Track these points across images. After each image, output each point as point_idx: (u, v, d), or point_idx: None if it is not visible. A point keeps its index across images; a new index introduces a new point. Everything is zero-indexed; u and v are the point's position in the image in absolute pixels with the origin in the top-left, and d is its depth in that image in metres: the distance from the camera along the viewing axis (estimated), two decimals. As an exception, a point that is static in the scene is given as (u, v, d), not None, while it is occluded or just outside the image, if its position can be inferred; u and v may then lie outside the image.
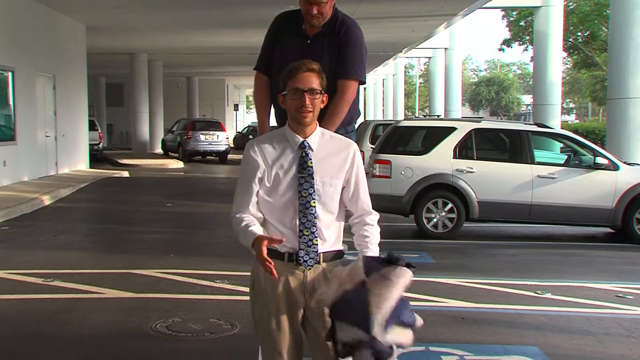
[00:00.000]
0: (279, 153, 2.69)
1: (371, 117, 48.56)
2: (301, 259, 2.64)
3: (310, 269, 2.66)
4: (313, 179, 2.65)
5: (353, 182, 2.75)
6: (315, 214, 2.65)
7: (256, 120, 3.90)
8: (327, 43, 3.57)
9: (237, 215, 2.70)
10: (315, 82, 2.65)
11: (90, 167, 20.34)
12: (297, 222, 2.64)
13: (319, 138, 2.72)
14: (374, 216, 2.79)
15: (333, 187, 2.69)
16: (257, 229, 2.61)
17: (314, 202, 2.65)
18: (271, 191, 2.67)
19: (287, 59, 3.59)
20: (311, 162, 2.66)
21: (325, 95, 2.72)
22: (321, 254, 2.67)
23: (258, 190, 2.70)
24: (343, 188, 2.74)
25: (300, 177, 2.65)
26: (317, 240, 2.65)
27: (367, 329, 2.40)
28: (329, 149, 2.72)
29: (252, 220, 2.66)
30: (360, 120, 40.04)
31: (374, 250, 2.70)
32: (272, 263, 2.49)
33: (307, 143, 2.69)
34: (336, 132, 3.12)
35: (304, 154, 2.67)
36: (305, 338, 2.76)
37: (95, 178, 17.31)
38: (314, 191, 2.65)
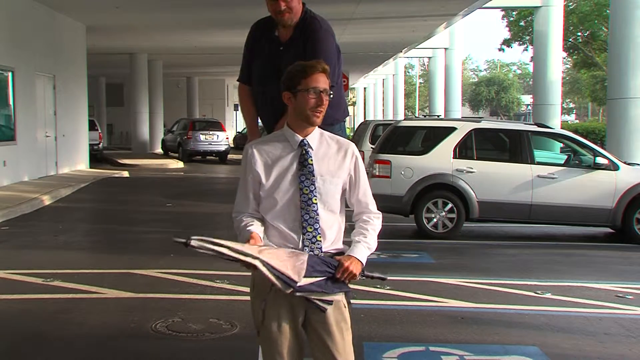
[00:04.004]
0: (279, 153, 2.71)
1: (371, 117, 48.54)
2: None
3: None
4: (314, 176, 2.67)
5: (355, 182, 2.77)
6: (317, 211, 2.66)
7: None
8: (296, 49, 3.48)
9: (237, 217, 2.77)
10: (327, 83, 2.69)
11: (90, 167, 20.34)
12: (300, 220, 2.64)
13: (318, 138, 2.74)
14: (375, 214, 2.80)
15: (334, 185, 2.70)
16: (254, 228, 2.66)
17: (316, 199, 2.66)
18: (273, 191, 2.68)
19: (262, 67, 3.56)
20: (311, 160, 2.68)
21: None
22: (323, 254, 2.67)
23: (257, 193, 2.73)
24: (344, 190, 2.75)
25: (301, 174, 2.67)
26: (320, 237, 2.66)
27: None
28: (328, 149, 2.74)
29: (251, 220, 2.71)
30: (360, 120, 39.83)
31: (367, 242, 2.71)
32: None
33: (307, 141, 2.70)
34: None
35: (304, 152, 2.69)
36: (306, 339, 2.76)
37: (95, 178, 17.31)
38: (315, 188, 2.66)
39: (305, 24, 3.49)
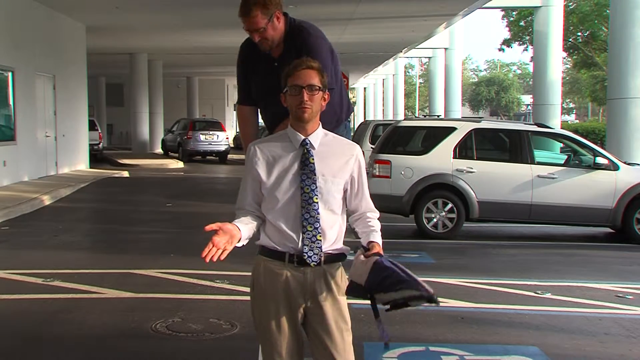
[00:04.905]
0: (281, 152, 2.71)
1: (371, 117, 48.55)
2: (305, 254, 2.65)
3: (314, 265, 2.66)
4: (315, 175, 2.67)
5: (356, 183, 2.77)
6: (318, 210, 2.66)
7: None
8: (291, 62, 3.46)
9: (237, 213, 2.78)
10: (315, 79, 2.66)
11: (90, 167, 20.34)
12: (300, 219, 2.65)
13: (321, 137, 2.74)
14: (375, 213, 2.83)
15: (335, 185, 2.71)
16: (237, 221, 2.68)
17: (317, 199, 2.66)
18: (274, 189, 2.69)
19: (260, 85, 3.52)
20: (313, 159, 2.68)
21: (327, 93, 2.73)
22: (323, 254, 2.68)
23: (257, 191, 2.74)
24: (345, 190, 2.76)
25: (302, 173, 2.67)
26: (320, 237, 2.66)
27: (411, 285, 2.54)
28: (331, 149, 2.74)
29: (243, 218, 2.72)
30: (360, 120, 39.70)
31: (378, 237, 2.74)
32: (218, 231, 2.56)
33: (309, 141, 2.70)
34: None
35: (305, 151, 2.69)
36: (306, 338, 2.77)
37: (95, 178, 17.31)
38: (316, 187, 2.66)
39: (294, 36, 3.43)
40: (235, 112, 47.31)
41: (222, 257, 2.56)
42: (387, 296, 2.55)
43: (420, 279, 2.57)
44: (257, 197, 2.75)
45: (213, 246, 2.53)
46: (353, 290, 2.63)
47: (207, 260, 2.52)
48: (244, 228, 2.67)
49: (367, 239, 2.73)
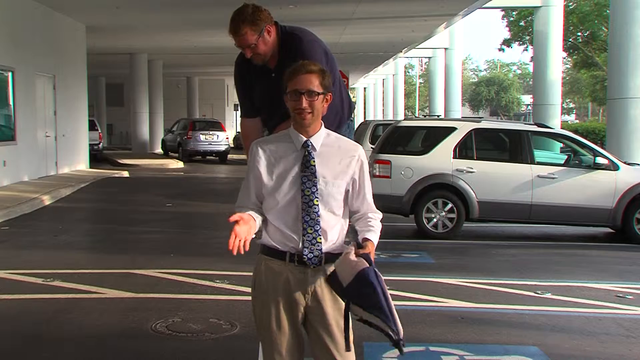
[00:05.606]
0: (283, 152, 2.71)
1: (371, 117, 48.55)
2: (305, 257, 2.65)
3: (314, 267, 2.66)
4: (316, 177, 2.67)
5: (358, 184, 2.76)
6: (319, 213, 2.66)
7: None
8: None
9: (237, 210, 2.77)
10: (314, 83, 2.65)
11: (90, 167, 20.33)
12: (301, 221, 2.65)
13: (323, 138, 2.73)
14: (377, 214, 2.82)
15: (336, 187, 2.70)
16: (251, 212, 2.69)
17: (317, 201, 2.66)
18: (275, 190, 2.69)
19: (262, 97, 3.50)
20: (314, 161, 2.67)
21: (329, 94, 2.72)
22: (323, 255, 2.68)
23: (259, 191, 2.74)
24: (347, 191, 2.75)
25: (303, 175, 2.67)
26: (320, 239, 2.66)
27: (385, 319, 2.51)
28: (333, 150, 2.73)
29: (250, 212, 2.71)
30: (360, 120, 39.58)
31: (375, 236, 2.74)
32: (239, 221, 2.57)
33: (311, 142, 2.70)
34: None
35: (307, 153, 2.68)
36: (306, 338, 2.77)
37: (95, 178, 17.31)
38: (317, 190, 2.66)
39: (287, 43, 3.40)
40: (235, 112, 47.49)
41: (247, 248, 2.55)
42: (360, 311, 2.55)
43: (395, 313, 2.53)
44: (260, 195, 2.75)
45: (236, 237, 2.52)
46: (333, 283, 2.63)
47: (235, 252, 2.51)
48: (258, 220, 2.69)
49: (363, 236, 2.73)
